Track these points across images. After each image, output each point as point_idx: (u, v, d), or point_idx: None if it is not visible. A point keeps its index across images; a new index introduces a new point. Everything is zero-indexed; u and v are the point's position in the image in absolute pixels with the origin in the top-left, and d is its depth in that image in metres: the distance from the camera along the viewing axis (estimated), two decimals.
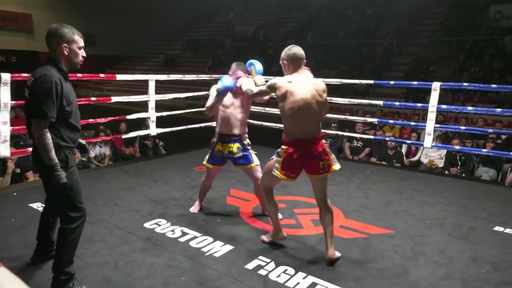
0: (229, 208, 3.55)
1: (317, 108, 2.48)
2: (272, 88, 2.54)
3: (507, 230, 3.24)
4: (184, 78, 6.57)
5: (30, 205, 3.43)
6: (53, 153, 2.03)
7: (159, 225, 3.11)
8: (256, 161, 3.19)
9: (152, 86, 5.16)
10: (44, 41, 2.12)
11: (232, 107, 3.12)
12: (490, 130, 5.61)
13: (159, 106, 5.55)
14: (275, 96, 2.58)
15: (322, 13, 18.30)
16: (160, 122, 5.49)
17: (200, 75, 6.73)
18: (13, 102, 4.01)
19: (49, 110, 2.00)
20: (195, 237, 2.91)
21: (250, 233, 3.03)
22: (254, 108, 6.63)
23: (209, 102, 3.08)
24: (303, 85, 2.47)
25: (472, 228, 3.29)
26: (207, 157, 3.28)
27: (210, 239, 2.89)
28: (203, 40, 21.15)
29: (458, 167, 5.65)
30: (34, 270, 2.38)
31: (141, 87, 13.01)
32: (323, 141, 2.56)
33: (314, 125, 2.51)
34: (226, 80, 2.92)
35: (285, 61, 2.55)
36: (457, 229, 3.26)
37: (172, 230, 3.01)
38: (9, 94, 3.91)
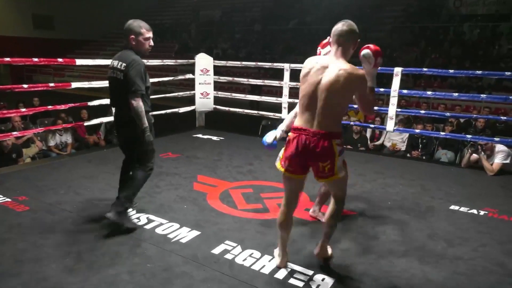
0: (196, 194, 3.54)
1: (328, 97, 2.06)
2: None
3: (462, 209, 3.42)
4: (147, 63, 6.39)
5: None
6: (145, 119, 2.61)
7: None
8: None
9: None
10: None
11: None
12: (448, 114, 5.85)
13: None
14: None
15: None
16: None
17: (164, 60, 6.57)
18: None
19: (143, 86, 2.59)
20: (161, 224, 2.89)
21: (216, 219, 3.04)
22: (221, 94, 6.60)
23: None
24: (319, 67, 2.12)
25: (430, 207, 3.45)
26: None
27: (177, 225, 2.88)
28: (169, 25, 20.63)
29: (419, 150, 5.87)
30: None
31: (104, 73, 12.53)
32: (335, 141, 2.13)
33: (321, 117, 2.10)
34: (267, 137, 2.73)
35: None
36: (416, 208, 3.41)
37: (138, 218, 2.97)
38: None
